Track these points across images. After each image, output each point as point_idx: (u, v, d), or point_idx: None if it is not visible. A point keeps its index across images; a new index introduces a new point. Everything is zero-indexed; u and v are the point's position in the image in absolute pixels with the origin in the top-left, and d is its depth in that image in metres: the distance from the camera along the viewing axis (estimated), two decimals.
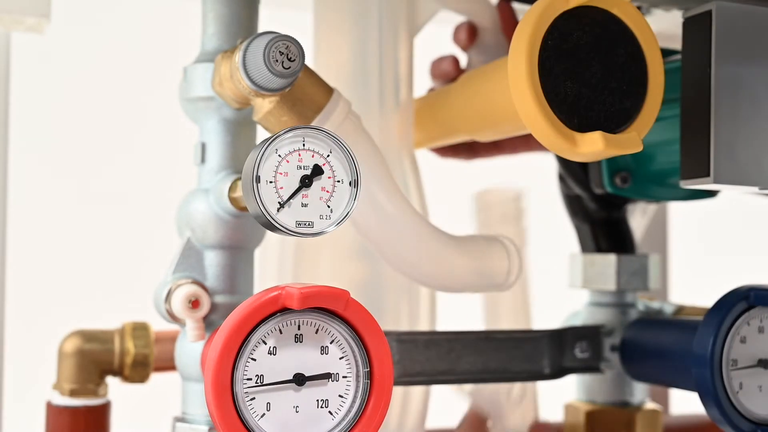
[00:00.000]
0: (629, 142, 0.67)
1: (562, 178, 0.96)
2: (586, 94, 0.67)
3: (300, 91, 0.68)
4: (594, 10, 0.67)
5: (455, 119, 0.83)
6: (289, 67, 0.64)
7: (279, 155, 0.60)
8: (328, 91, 0.70)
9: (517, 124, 0.69)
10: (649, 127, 0.68)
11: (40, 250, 1.41)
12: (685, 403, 1.12)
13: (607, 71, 0.67)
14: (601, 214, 0.94)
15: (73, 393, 0.87)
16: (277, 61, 0.64)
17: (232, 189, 0.71)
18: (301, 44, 0.65)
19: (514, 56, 0.65)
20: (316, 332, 0.59)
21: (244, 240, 0.74)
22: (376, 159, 0.72)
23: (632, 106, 0.68)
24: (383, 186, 0.72)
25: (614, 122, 0.67)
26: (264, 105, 0.69)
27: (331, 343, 0.59)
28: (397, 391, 0.87)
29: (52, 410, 0.88)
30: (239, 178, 0.71)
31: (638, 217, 0.98)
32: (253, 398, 0.58)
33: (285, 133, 0.59)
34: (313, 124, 0.69)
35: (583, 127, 0.66)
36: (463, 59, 0.97)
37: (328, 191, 0.60)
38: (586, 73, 0.67)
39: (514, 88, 0.66)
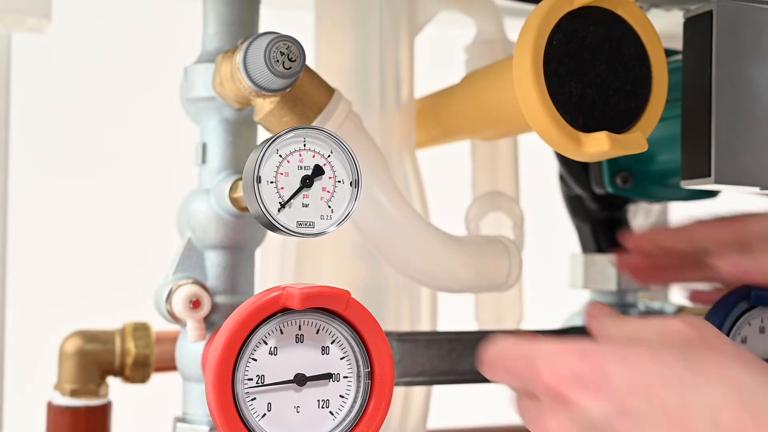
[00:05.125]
0: (634, 142, 0.67)
1: (562, 178, 0.96)
2: (591, 94, 0.67)
3: (301, 91, 0.68)
4: (598, 11, 0.67)
5: (458, 119, 0.82)
6: (290, 68, 0.64)
7: (280, 155, 0.60)
8: (329, 91, 0.70)
9: (521, 124, 0.69)
10: (653, 127, 0.68)
11: (41, 250, 1.41)
12: None
13: (612, 71, 0.67)
14: (602, 215, 0.94)
15: (73, 393, 0.87)
16: (278, 61, 0.64)
17: (233, 189, 0.71)
18: (302, 44, 0.65)
19: (519, 56, 0.65)
20: (317, 332, 0.59)
21: (244, 240, 0.74)
22: (377, 159, 0.72)
23: (636, 106, 0.68)
24: (383, 186, 0.72)
25: (619, 122, 0.68)
26: (265, 105, 0.69)
27: (331, 343, 0.59)
28: (399, 391, 0.87)
29: (53, 410, 0.88)
30: (240, 179, 0.71)
31: (641, 219, 0.97)
32: (254, 398, 0.58)
33: (286, 133, 0.60)
34: (314, 124, 0.69)
35: (588, 127, 0.66)
36: (463, 59, 0.97)
37: (329, 191, 0.60)
38: (591, 73, 0.67)
39: (519, 88, 0.66)
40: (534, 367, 0.61)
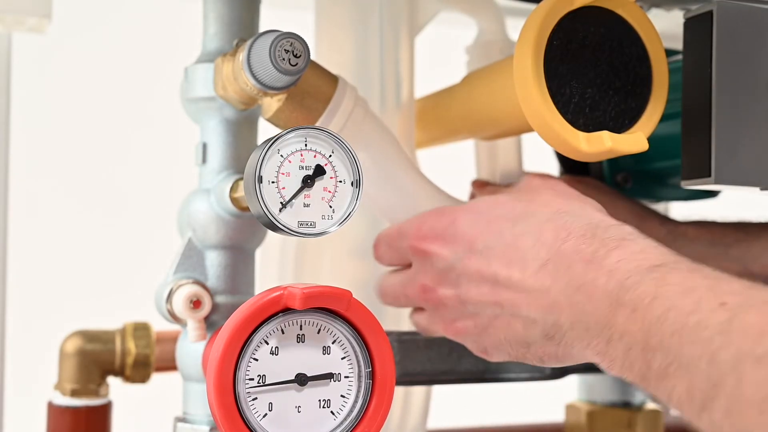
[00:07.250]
0: (635, 141, 0.67)
1: None
2: (592, 94, 0.67)
3: (307, 83, 0.69)
4: (599, 11, 0.67)
5: (459, 119, 0.83)
6: (296, 64, 0.64)
7: (281, 155, 0.60)
8: (333, 79, 0.70)
9: (522, 124, 0.69)
10: (654, 126, 0.68)
11: (41, 251, 1.41)
12: None
13: (612, 71, 0.67)
14: None
15: (74, 393, 0.87)
16: (283, 59, 0.64)
17: (233, 189, 0.71)
18: (304, 39, 0.65)
19: (520, 56, 0.65)
20: (318, 332, 0.59)
21: (245, 240, 0.74)
22: (390, 139, 0.73)
23: (637, 105, 0.68)
24: (400, 163, 0.73)
25: (619, 122, 0.68)
26: (273, 104, 0.69)
27: (333, 343, 0.60)
28: (399, 391, 0.87)
29: (54, 410, 0.88)
30: (241, 179, 0.71)
31: None
32: (255, 398, 0.58)
33: (287, 133, 0.60)
34: (325, 114, 0.69)
35: (589, 126, 0.67)
36: (463, 59, 0.97)
37: (330, 191, 0.60)
38: (592, 73, 0.67)
39: (520, 88, 0.66)
40: (403, 234, 0.72)
